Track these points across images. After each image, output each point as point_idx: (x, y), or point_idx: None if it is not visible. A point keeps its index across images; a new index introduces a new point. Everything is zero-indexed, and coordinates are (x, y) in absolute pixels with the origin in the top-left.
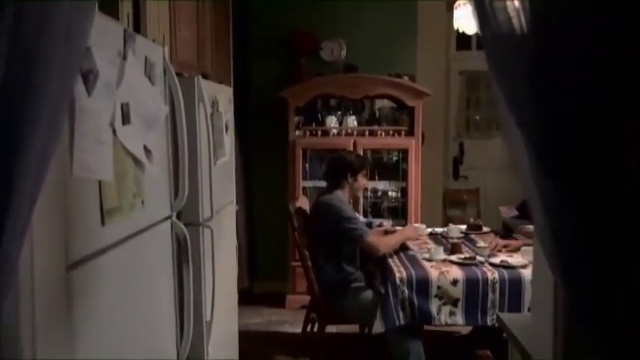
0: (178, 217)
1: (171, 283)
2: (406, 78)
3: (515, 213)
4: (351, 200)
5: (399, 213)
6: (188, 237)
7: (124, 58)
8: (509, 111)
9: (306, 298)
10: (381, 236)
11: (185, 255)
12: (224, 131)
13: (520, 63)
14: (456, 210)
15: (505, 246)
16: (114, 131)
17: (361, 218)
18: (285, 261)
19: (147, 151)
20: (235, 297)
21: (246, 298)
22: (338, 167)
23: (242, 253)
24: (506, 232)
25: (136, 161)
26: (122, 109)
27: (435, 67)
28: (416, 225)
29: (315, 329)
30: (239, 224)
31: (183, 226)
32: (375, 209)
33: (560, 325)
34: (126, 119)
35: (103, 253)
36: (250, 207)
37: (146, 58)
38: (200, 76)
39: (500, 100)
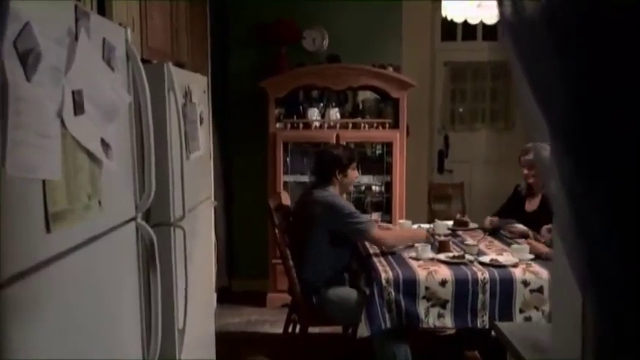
0: (147, 217)
1: (136, 292)
2: (390, 69)
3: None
4: (344, 195)
5: (383, 208)
6: (155, 240)
7: (75, 38)
8: (535, 96)
9: (288, 297)
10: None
11: (152, 260)
12: (198, 123)
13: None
14: (441, 204)
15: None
16: (63, 123)
17: None
18: (265, 258)
19: (105, 145)
20: (213, 299)
21: (225, 296)
22: (327, 162)
23: (221, 250)
24: (493, 231)
25: (92, 157)
26: (73, 97)
27: (420, 58)
28: (401, 221)
29: (297, 330)
30: (218, 220)
31: (149, 228)
32: (359, 204)
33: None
34: (78, 109)
35: (48, 264)
36: (229, 202)
37: (104, 40)
38: (170, 64)
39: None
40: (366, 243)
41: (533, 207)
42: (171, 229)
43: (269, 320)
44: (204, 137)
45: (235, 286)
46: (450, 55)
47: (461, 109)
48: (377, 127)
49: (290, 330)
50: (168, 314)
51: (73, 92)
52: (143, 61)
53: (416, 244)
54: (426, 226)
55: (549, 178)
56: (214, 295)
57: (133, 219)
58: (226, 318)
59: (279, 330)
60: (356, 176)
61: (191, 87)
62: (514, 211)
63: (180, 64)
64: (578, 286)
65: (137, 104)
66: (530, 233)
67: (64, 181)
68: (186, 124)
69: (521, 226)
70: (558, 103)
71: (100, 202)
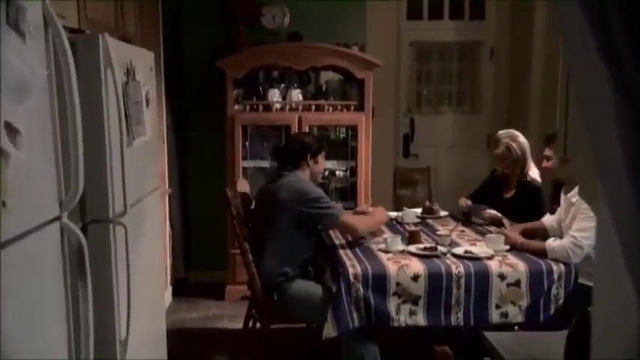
0: (82, 214)
1: (62, 304)
2: (355, 48)
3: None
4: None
5: (348, 194)
6: (85, 241)
7: None
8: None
9: (248, 289)
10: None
11: (82, 265)
12: (144, 105)
13: None
14: (407, 190)
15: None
16: None
17: None
18: (224, 248)
19: (11, 130)
20: (163, 299)
21: (182, 289)
22: (297, 148)
23: (176, 241)
24: (465, 217)
25: None
26: None
27: (385, 38)
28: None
29: (258, 325)
30: (173, 209)
31: (76, 229)
32: (323, 190)
33: None
34: None
35: None
36: (185, 189)
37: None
38: (106, 35)
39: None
40: (331, 233)
41: (509, 193)
42: (111, 226)
43: (228, 314)
44: (152, 120)
45: (193, 277)
46: (416, 34)
47: (426, 91)
48: (341, 110)
49: (250, 325)
50: (107, 324)
51: None
52: (77, 32)
53: (385, 236)
54: (394, 214)
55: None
56: (166, 294)
57: (57, 219)
58: (183, 313)
59: (239, 325)
60: (323, 167)
61: (134, 63)
62: (490, 196)
63: (126, 39)
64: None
65: (61, 82)
66: (505, 221)
67: None
68: (128, 105)
69: (493, 212)
70: None
71: (4, 204)
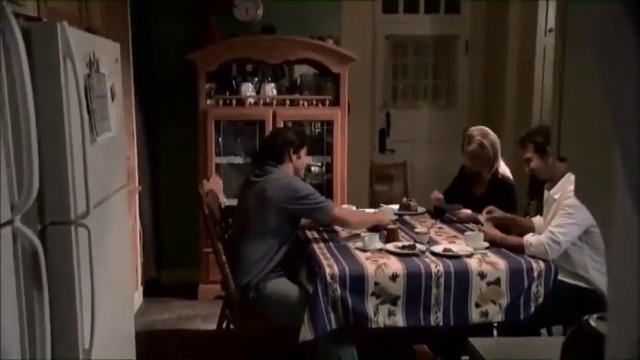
0: (41, 216)
1: (15, 316)
2: (330, 41)
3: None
4: None
5: (324, 190)
6: (39, 247)
7: None
8: None
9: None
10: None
11: (36, 272)
12: (109, 99)
13: None
14: (383, 186)
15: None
16: None
17: None
18: (197, 247)
19: None
20: (132, 301)
21: (154, 289)
22: (279, 143)
23: (147, 240)
24: (438, 214)
25: None
26: None
27: (360, 31)
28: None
29: (232, 326)
30: (143, 206)
31: (31, 234)
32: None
33: None
34: None
35: None
36: (156, 187)
37: None
38: (65, 23)
39: None
40: (307, 231)
41: (481, 190)
42: (72, 228)
43: (201, 315)
44: (118, 115)
45: (164, 277)
46: (392, 28)
47: (402, 86)
48: (316, 105)
49: (224, 326)
50: (69, 332)
51: None
52: (34, 20)
53: (362, 234)
54: (370, 210)
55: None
56: (136, 295)
57: (9, 222)
58: (154, 314)
59: (213, 325)
60: (305, 161)
61: (98, 54)
62: (461, 194)
63: (91, 31)
64: None
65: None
66: (481, 218)
67: None
68: (91, 99)
69: (468, 211)
70: None
71: None
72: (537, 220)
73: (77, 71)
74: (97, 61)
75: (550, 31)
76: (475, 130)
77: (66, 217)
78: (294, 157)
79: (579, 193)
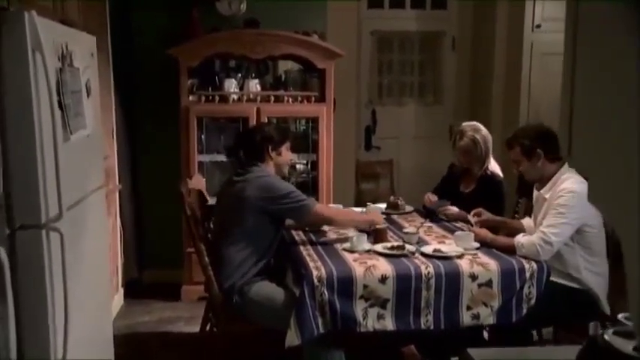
0: (10, 220)
1: None
2: (316, 36)
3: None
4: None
5: (309, 188)
6: (4, 255)
7: None
8: None
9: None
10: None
11: (1, 282)
12: (84, 94)
13: None
14: (369, 184)
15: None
16: None
17: None
18: (179, 246)
19: None
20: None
21: (135, 290)
22: (258, 140)
23: (128, 239)
24: (427, 213)
25: None
26: None
27: (346, 26)
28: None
29: (216, 329)
30: (124, 205)
31: None
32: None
33: None
34: None
35: None
36: (137, 185)
37: None
38: (34, 12)
39: None
40: (292, 231)
41: (469, 188)
42: (43, 232)
43: (184, 317)
44: (95, 112)
45: (146, 277)
46: (377, 23)
47: (387, 81)
48: (301, 101)
49: (208, 328)
50: (40, 341)
51: None
52: (1, 10)
53: (350, 234)
54: (358, 209)
55: None
56: (117, 297)
57: None
58: (136, 316)
59: (196, 328)
60: (290, 158)
61: (71, 47)
62: (449, 192)
63: (67, 23)
64: None
65: None
66: (471, 218)
67: None
68: (64, 95)
69: (455, 209)
70: None
71: None
72: (527, 221)
73: (47, 64)
74: (70, 54)
75: (538, 27)
76: (467, 125)
77: (36, 220)
78: (273, 154)
79: (593, 194)
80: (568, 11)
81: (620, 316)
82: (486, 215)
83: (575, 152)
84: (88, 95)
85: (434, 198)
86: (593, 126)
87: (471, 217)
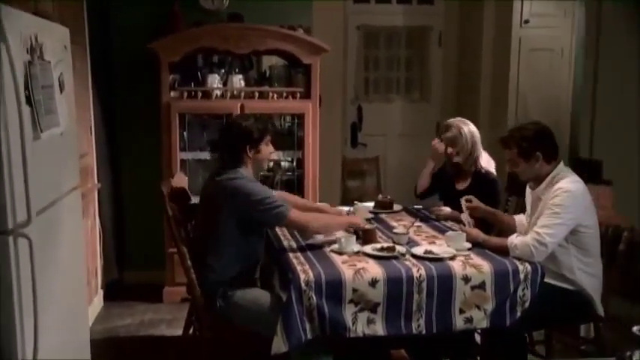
0: None
1: None
2: (301, 30)
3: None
4: (258, 174)
5: (295, 186)
6: None
7: None
8: None
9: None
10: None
11: None
12: (56, 90)
13: None
14: (355, 181)
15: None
16: None
17: None
18: (161, 247)
19: None
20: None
21: (116, 291)
22: (235, 136)
23: (108, 240)
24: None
25: None
26: None
27: (332, 21)
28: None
29: (199, 333)
30: (104, 205)
31: None
32: (267, 183)
33: None
34: None
35: None
36: (117, 184)
37: None
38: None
39: None
40: (278, 232)
41: (464, 185)
42: (10, 239)
43: (166, 319)
44: (69, 108)
45: (127, 279)
46: (363, 18)
47: (373, 77)
48: (286, 97)
49: (191, 331)
50: (8, 349)
51: None
52: None
53: (338, 235)
54: (345, 208)
55: None
56: (96, 300)
57: None
58: (116, 319)
59: (179, 331)
60: (271, 152)
61: (41, 39)
62: (444, 191)
63: (39, 15)
64: None
65: None
66: (463, 217)
67: None
68: (33, 90)
69: (448, 209)
70: None
71: None
72: (519, 218)
73: (13, 56)
74: (40, 46)
75: (526, 22)
76: (454, 119)
77: (2, 226)
78: (252, 152)
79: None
80: (586, 12)
81: (635, 328)
82: (476, 202)
83: (595, 154)
84: (62, 90)
85: (446, 209)
86: (613, 128)
87: (463, 202)
